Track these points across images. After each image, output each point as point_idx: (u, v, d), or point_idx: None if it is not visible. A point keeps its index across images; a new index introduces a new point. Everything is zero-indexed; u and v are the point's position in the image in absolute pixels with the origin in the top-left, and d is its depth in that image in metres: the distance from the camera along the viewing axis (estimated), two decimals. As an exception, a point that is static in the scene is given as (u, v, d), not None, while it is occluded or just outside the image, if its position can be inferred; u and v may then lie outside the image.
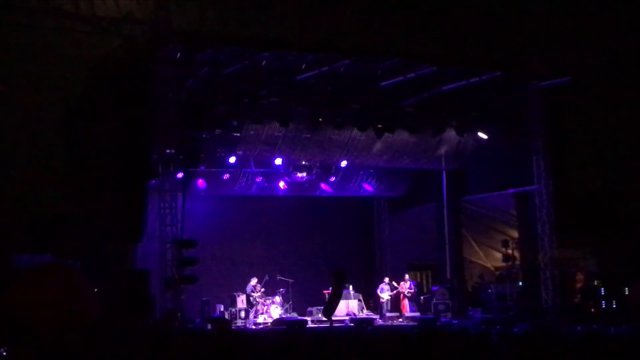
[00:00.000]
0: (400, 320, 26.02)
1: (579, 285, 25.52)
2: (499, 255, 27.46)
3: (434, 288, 27.29)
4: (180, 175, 23.20)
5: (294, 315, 25.63)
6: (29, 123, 20.96)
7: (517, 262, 26.28)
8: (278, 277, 25.87)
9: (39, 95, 20.89)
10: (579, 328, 17.83)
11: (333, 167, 27.59)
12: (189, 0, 21.57)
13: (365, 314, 26.34)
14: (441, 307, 26.18)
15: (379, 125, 25.20)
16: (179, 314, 21.01)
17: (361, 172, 28.46)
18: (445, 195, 28.32)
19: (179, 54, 21.29)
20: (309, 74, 22.86)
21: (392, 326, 25.16)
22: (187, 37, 20.91)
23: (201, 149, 24.43)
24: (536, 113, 24.83)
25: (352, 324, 24.35)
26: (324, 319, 24.96)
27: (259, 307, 24.98)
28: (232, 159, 25.22)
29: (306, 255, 28.31)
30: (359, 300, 26.54)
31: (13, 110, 20.83)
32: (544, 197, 24.71)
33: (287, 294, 25.76)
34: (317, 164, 27.18)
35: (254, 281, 25.10)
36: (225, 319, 23.57)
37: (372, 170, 28.62)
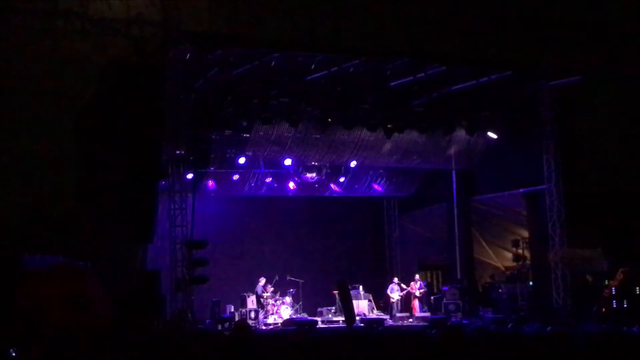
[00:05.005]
0: (411, 320, 25.98)
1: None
2: (509, 255, 27.43)
3: (445, 288, 27.26)
4: (190, 176, 23.22)
5: (304, 315, 25.63)
6: (38, 125, 21.00)
7: (528, 262, 26.23)
8: (288, 278, 25.88)
9: (49, 97, 20.92)
10: (590, 328, 17.78)
11: (343, 168, 27.58)
12: (199, 1, 21.57)
13: (375, 314, 26.34)
14: (452, 307, 26.12)
15: (389, 125, 25.18)
16: (190, 315, 21.03)
17: (371, 172, 28.44)
18: (455, 195, 28.26)
19: (188, 55, 21.31)
20: (318, 74, 22.85)
21: (402, 326, 25.16)
22: (197, 38, 20.91)
23: (211, 150, 24.49)
24: (546, 112, 24.77)
25: (362, 324, 24.33)
26: (334, 319, 25.06)
27: (269, 307, 25.00)
28: (242, 160, 25.28)
29: (316, 255, 28.30)
30: (369, 300, 26.52)
31: (23, 112, 20.88)
32: (554, 196, 24.64)
33: (297, 294, 25.77)
34: (327, 165, 27.17)
35: (262, 281, 25.14)
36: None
37: (381, 171, 28.59)
